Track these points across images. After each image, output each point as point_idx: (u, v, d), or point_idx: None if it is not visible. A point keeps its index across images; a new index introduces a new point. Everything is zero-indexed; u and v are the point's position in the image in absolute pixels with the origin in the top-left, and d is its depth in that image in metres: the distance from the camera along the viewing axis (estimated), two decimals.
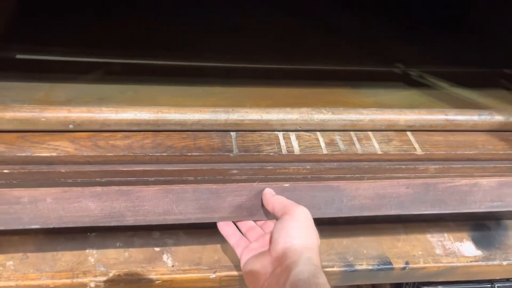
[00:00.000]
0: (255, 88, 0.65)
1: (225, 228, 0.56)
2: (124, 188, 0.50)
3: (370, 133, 0.58)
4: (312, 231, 0.49)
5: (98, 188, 0.50)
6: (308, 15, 0.90)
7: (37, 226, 0.50)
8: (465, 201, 0.58)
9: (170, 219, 0.53)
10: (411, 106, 0.64)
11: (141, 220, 0.52)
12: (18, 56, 0.61)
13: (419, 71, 0.75)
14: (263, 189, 0.53)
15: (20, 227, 0.50)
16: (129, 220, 0.52)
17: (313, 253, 0.46)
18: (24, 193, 0.48)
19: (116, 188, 0.50)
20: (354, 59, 0.76)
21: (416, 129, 0.59)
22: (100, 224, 0.51)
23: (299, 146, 0.54)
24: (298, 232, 0.47)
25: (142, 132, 0.53)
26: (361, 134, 0.58)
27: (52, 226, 0.50)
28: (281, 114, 0.56)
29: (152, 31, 0.74)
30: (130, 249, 0.59)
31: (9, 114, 0.49)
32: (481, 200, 0.59)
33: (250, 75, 0.67)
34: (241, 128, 0.56)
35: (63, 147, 0.49)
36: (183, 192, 0.52)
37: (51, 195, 0.49)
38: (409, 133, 0.59)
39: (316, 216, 0.53)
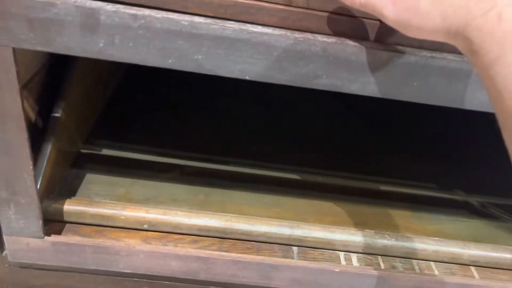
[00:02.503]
0: (318, 201, 0.67)
1: None
2: None
3: (432, 263, 0.58)
4: None
5: None
6: (374, 126, 0.94)
7: None
8: None
9: None
10: (475, 238, 0.63)
11: None
12: (104, 152, 0.68)
13: (481, 201, 0.75)
14: None
15: None
16: None
17: None
18: None
19: None
20: (415, 180, 0.78)
21: (480, 265, 0.58)
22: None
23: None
24: None
25: (210, 238, 0.55)
26: (423, 263, 0.57)
27: None
28: (344, 235, 0.57)
29: (226, 136, 0.79)
30: None
31: (93, 210, 0.53)
32: None
33: (313, 189, 0.69)
34: (304, 244, 0.57)
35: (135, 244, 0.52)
36: None
37: None
38: (473, 269, 0.58)
39: None
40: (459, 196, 0.76)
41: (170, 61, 0.39)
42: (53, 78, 0.57)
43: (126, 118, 0.78)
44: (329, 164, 0.77)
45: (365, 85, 0.41)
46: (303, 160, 0.76)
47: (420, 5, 0.33)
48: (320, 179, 0.73)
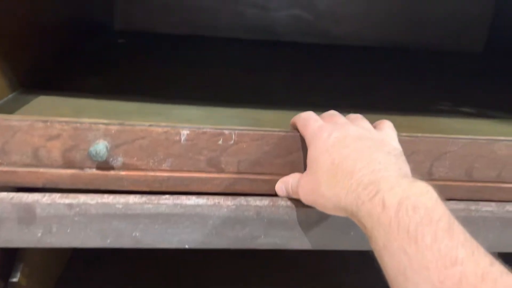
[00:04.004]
0: None
1: None
2: None
3: None
4: None
5: None
6: None
7: None
8: None
9: None
10: None
11: None
12: None
13: None
14: None
15: None
16: None
17: None
18: None
19: None
20: None
21: None
22: None
23: None
24: None
25: None
26: None
27: None
28: None
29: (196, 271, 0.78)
30: None
31: None
32: None
33: None
34: None
35: None
36: None
37: None
38: None
39: None
40: None
41: (108, 241, 0.40)
42: None
43: (92, 266, 0.77)
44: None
45: (304, 240, 0.42)
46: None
47: (320, 188, 0.36)
48: None
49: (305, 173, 0.39)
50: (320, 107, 0.45)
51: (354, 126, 0.38)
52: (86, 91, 0.56)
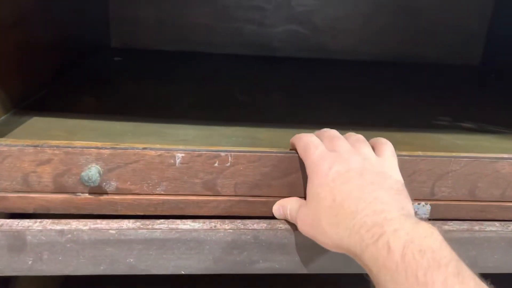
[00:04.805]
0: None
1: None
2: None
3: None
4: None
5: None
6: None
7: None
8: None
9: None
10: None
11: None
12: None
13: None
14: None
15: None
16: None
17: None
18: None
19: None
20: None
21: None
22: None
23: None
24: None
25: None
26: None
27: None
28: None
29: None
30: None
31: None
32: None
33: None
34: None
35: None
36: None
37: None
38: None
39: None
40: None
41: (102, 267, 0.39)
42: None
43: None
44: None
45: (304, 265, 0.41)
46: None
47: (321, 224, 0.34)
48: None
49: (305, 204, 0.38)
50: (318, 124, 0.44)
51: (355, 156, 0.37)
52: (81, 111, 0.55)
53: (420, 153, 0.42)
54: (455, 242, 0.42)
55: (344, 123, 0.48)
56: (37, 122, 0.50)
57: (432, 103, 0.76)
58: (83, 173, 0.37)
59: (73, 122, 0.51)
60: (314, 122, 0.50)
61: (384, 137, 0.41)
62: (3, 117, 0.49)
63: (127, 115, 0.55)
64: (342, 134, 0.41)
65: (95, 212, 0.39)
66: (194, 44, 0.99)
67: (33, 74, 0.59)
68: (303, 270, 0.41)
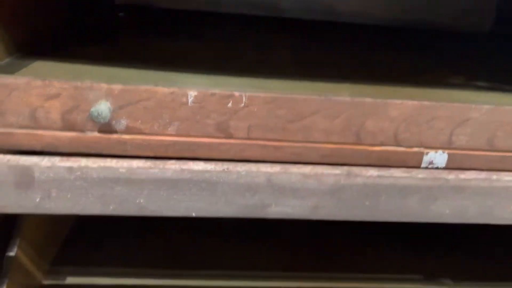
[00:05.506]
0: None
1: None
2: None
3: None
4: None
5: None
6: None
7: None
8: None
9: None
10: None
11: None
12: (68, 281, 0.64)
13: None
14: None
15: None
16: None
17: None
18: None
19: None
20: (398, 274, 0.74)
21: None
22: None
23: None
24: None
25: None
26: None
27: None
28: None
29: (195, 249, 0.77)
30: None
31: None
32: None
33: None
34: None
35: None
36: None
37: None
38: None
39: None
40: (447, 286, 0.73)
41: (111, 207, 0.38)
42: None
43: (93, 239, 0.75)
44: (307, 266, 0.74)
45: (316, 210, 0.40)
46: (279, 264, 0.73)
47: None
48: (299, 283, 0.69)
49: None
50: (327, 78, 0.43)
51: None
52: (86, 58, 0.53)
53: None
54: (471, 192, 0.41)
55: (356, 78, 0.47)
56: (41, 66, 0.49)
57: (443, 65, 0.74)
58: (92, 109, 0.35)
59: (78, 68, 0.50)
60: (323, 76, 0.49)
61: (398, 93, 0.40)
62: (6, 60, 0.48)
63: (134, 63, 0.53)
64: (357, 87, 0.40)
65: (104, 152, 0.38)
66: (200, 2, 0.97)
67: (39, 19, 0.57)
68: (316, 216, 0.40)
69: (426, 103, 0.39)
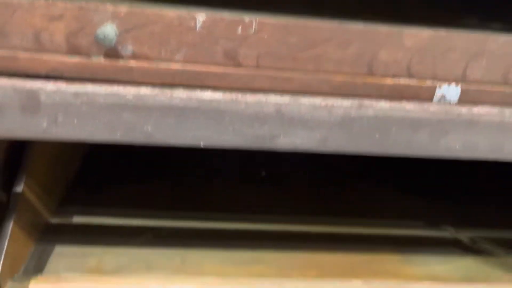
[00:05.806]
0: (301, 253, 0.64)
1: None
2: None
3: None
4: None
5: None
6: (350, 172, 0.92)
7: None
8: None
9: None
10: (467, 278, 0.60)
11: None
12: (75, 220, 0.65)
13: (471, 236, 0.72)
14: None
15: None
16: None
17: None
18: None
19: None
20: (399, 220, 0.75)
21: None
22: None
23: None
24: None
25: None
26: None
27: None
28: None
29: (200, 192, 0.77)
30: None
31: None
32: None
33: (296, 239, 0.67)
34: None
35: None
36: None
37: None
38: None
39: None
40: (448, 233, 0.74)
41: (118, 134, 0.37)
42: (14, 150, 0.55)
43: (99, 182, 0.76)
44: (310, 211, 0.75)
45: (325, 142, 0.39)
46: (283, 209, 0.74)
47: None
48: (302, 228, 0.70)
49: None
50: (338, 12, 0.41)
51: None
52: None
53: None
54: (483, 127, 0.40)
55: (367, 13, 0.45)
56: None
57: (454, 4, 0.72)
58: (98, 30, 0.34)
59: None
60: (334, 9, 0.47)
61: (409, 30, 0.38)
62: None
63: None
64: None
65: (110, 78, 0.37)
66: None
67: None
68: (324, 148, 0.40)
69: (442, 32, 0.38)
